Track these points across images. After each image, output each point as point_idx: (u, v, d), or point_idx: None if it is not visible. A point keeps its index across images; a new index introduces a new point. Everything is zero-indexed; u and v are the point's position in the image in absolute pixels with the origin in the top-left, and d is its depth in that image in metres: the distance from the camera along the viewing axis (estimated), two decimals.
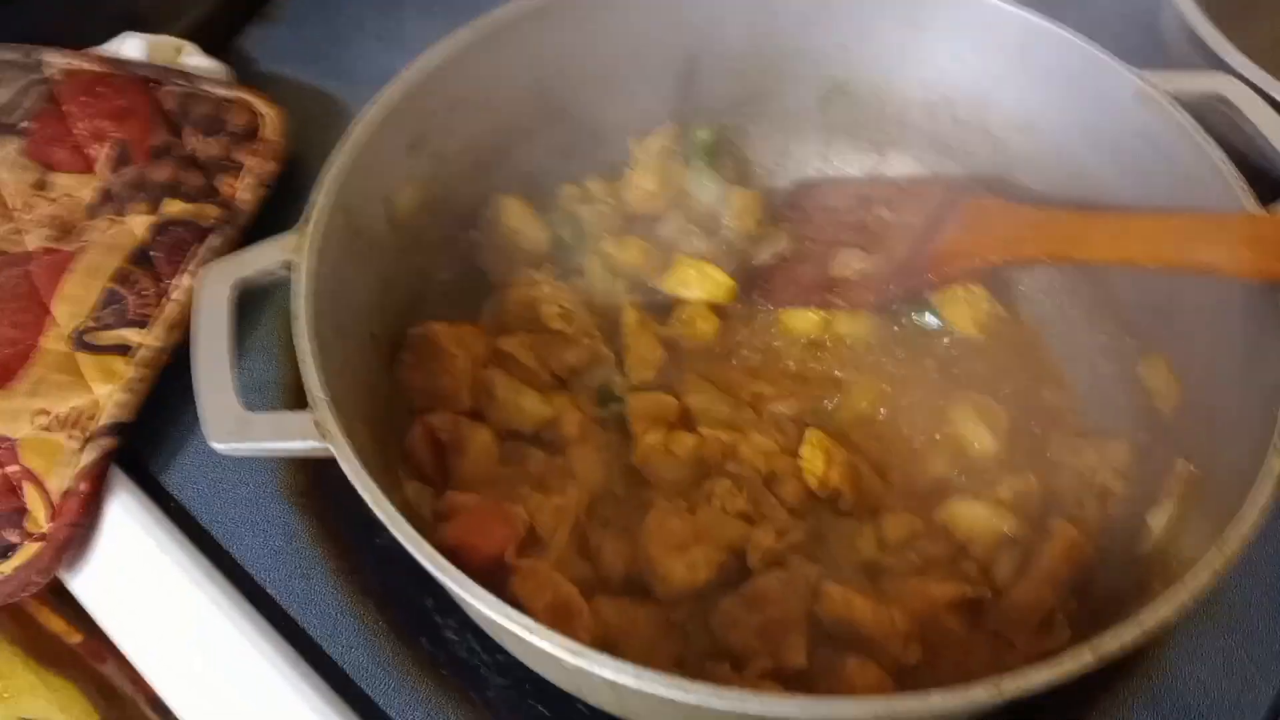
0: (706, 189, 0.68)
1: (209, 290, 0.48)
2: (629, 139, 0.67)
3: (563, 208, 0.65)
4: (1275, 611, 0.56)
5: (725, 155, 0.69)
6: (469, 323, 0.60)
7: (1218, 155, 0.54)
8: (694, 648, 0.51)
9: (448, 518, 0.52)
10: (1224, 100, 0.57)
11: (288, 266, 0.49)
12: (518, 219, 0.63)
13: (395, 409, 0.57)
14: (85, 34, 0.78)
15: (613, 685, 0.39)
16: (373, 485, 0.42)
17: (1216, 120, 0.57)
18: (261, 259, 0.49)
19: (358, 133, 0.53)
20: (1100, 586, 0.52)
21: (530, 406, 0.57)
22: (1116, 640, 0.39)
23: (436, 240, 0.61)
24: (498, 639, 0.49)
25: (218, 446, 0.44)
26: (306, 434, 0.43)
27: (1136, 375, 0.58)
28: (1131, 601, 0.48)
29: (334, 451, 0.43)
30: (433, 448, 0.56)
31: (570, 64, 0.64)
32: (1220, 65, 0.62)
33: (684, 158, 0.68)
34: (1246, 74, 0.59)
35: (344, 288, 0.52)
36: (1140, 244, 0.53)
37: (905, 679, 0.50)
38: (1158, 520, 0.51)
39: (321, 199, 0.51)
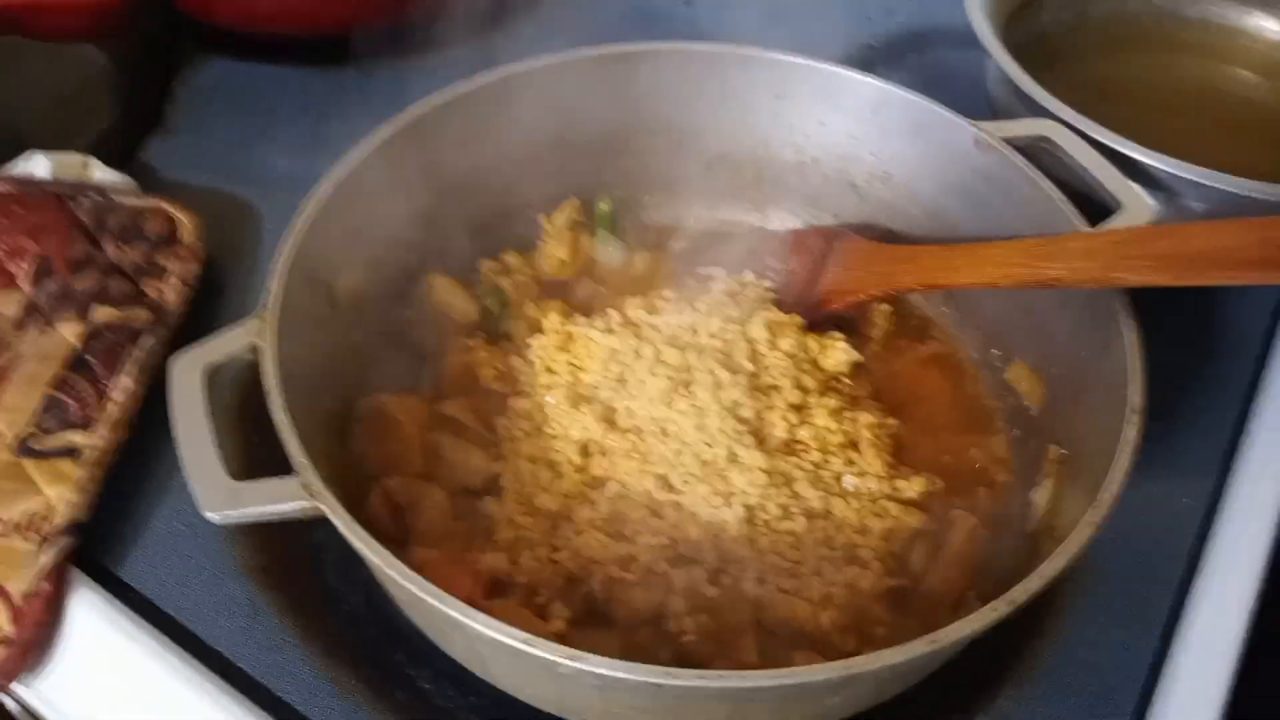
0: (611, 254, 0.74)
1: (181, 376, 0.51)
2: (539, 214, 0.74)
3: (485, 280, 0.71)
4: (1147, 574, 0.64)
5: (625, 223, 0.76)
6: (410, 392, 0.65)
7: (1048, 187, 0.64)
8: (660, 662, 0.55)
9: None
10: (1048, 140, 0.68)
11: (252, 350, 0.52)
12: (447, 293, 0.68)
13: (350, 479, 0.61)
14: None
15: (602, 685, 0.44)
16: (366, 535, 0.46)
17: (1043, 158, 0.67)
18: (227, 344, 0.53)
19: (299, 224, 0.58)
20: (1001, 564, 0.60)
21: (477, 463, 0.62)
22: (1024, 591, 0.46)
23: (373, 319, 0.65)
24: (483, 669, 0.52)
25: (212, 517, 0.47)
26: (296, 496, 0.47)
27: (1005, 381, 0.67)
28: (1028, 571, 0.56)
29: (324, 509, 0.46)
30: (391, 509, 0.59)
31: (479, 154, 0.70)
32: (1038, 109, 0.73)
33: (589, 228, 0.74)
34: (1063, 116, 0.70)
35: (295, 367, 0.56)
36: (996, 267, 0.62)
37: None
38: (1041, 498, 0.59)
39: (276, 285, 0.55)
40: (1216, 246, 0.55)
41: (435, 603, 0.44)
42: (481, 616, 0.43)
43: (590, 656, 0.42)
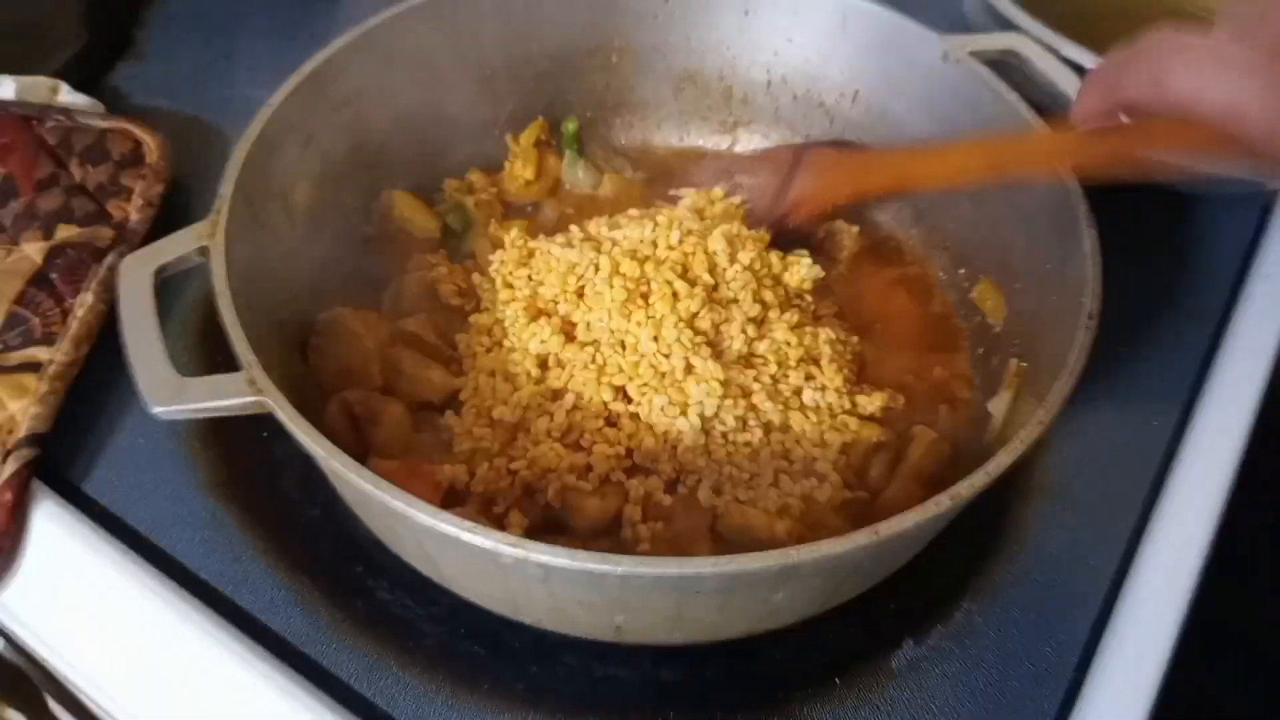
0: (579, 176, 0.74)
1: (131, 277, 0.51)
2: (505, 133, 0.73)
3: (449, 198, 0.70)
4: (1112, 495, 0.64)
5: (594, 145, 0.75)
6: (372, 308, 0.64)
7: (1014, 99, 0.64)
8: None
9: None
10: (1016, 55, 0.67)
11: (202, 252, 0.52)
12: (408, 209, 0.67)
13: (308, 392, 0.60)
14: None
15: (547, 576, 0.44)
16: (310, 428, 0.45)
17: (1013, 74, 0.66)
18: (177, 246, 0.52)
19: (254, 130, 0.58)
20: (959, 477, 0.60)
21: (438, 379, 0.62)
22: (969, 486, 0.46)
23: (333, 232, 0.65)
24: (432, 568, 0.53)
25: (157, 410, 0.47)
26: (241, 391, 0.46)
27: (971, 300, 0.67)
28: None
29: (270, 403, 0.46)
30: (349, 421, 0.59)
31: (444, 68, 0.69)
32: (1010, 27, 0.72)
33: (557, 148, 0.74)
34: (1032, 31, 0.69)
35: (252, 276, 0.56)
36: (960, 167, 0.62)
37: None
38: (998, 408, 0.59)
39: (227, 190, 0.54)
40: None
41: (377, 493, 0.44)
42: (424, 505, 0.43)
43: (531, 544, 0.42)
